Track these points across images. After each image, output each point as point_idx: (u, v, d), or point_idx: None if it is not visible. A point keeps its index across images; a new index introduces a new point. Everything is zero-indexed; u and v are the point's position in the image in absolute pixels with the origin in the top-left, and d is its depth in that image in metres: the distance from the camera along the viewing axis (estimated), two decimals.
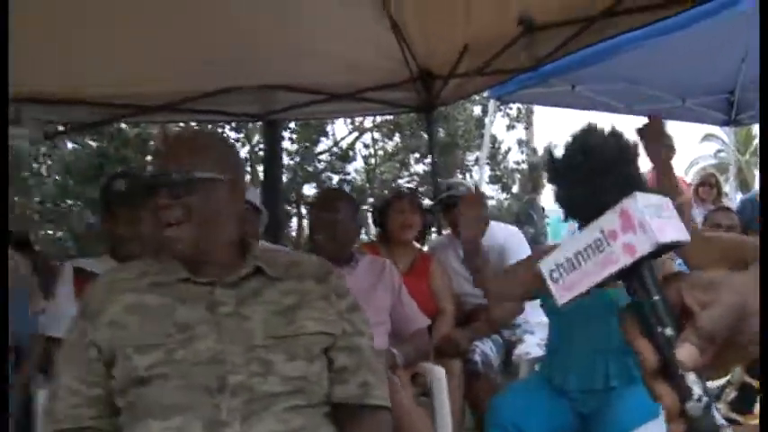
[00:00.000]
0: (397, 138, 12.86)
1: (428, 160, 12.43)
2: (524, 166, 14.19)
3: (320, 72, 4.46)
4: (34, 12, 3.34)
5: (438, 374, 2.95)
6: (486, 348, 3.59)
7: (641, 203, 0.74)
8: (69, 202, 10.94)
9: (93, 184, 10.49)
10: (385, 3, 3.94)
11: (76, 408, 1.57)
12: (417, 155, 12.62)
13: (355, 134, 12.94)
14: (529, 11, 3.57)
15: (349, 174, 12.72)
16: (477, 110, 12.31)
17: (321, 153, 12.42)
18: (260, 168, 11.06)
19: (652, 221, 0.73)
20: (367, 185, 12.49)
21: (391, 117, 10.64)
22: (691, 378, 0.70)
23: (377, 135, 13.14)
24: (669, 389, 0.70)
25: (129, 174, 3.05)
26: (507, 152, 13.64)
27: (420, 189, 13.29)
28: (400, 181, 13.41)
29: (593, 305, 2.54)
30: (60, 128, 5.00)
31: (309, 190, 12.11)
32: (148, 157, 10.19)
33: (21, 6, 3.33)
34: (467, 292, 3.75)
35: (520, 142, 14.64)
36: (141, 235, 2.84)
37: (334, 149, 12.54)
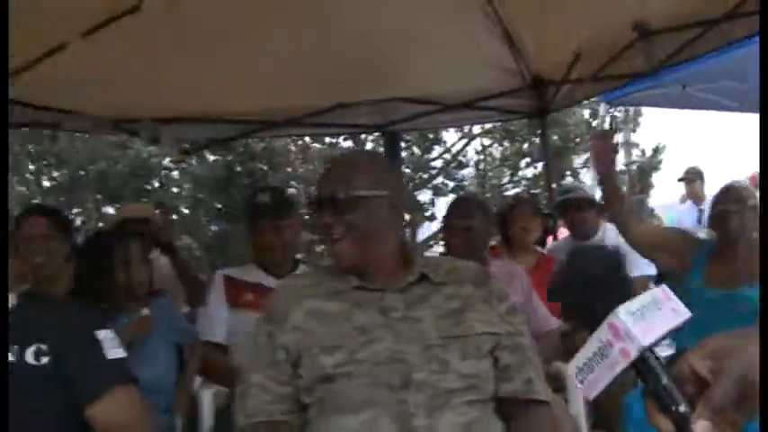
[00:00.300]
0: (506, 143, 12.83)
1: (538, 165, 12.34)
2: (633, 167, 13.89)
3: (436, 83, 4.55)
4: (170, 38, 3.62)
5: (570, 372, 2.98)
6: None
7: (623, 315, 0.90)
8: (199, 213, 11.40)
9: (221, 197, 10.96)
10: (497, 14, 3.97)
11: (269, 404, 1.69)
12: (528, 159, 12.53)
13: (464, 141, 12.96)
14: (645, 16, 3.55)
15: (463, 180, 12.74)
16: (586, 113, 12.15)
17: (433, 160, 12.48)
18: None
19: (635, 328, 0.89)
20: (479, 191, 12.50)
21: (500, 123, 10.60)
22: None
23: (485, 141, 13.13)
24: None
25: (272, 187, 3.24)
26: None
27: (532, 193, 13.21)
28: (509, 186, 13.33)
29: (731, 303, 2.53)
30: (192, 145, 5.29)
31: (425, 197, 12.23)
32: (269, 169, 10.59)
33: (160, 33, 3.63)
34: None
35: (627, 144, 14.32)
36: (285, 244, 2.98)
37: (445, 156, 12.58)
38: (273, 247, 2.98)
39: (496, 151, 13.20)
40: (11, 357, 1.65)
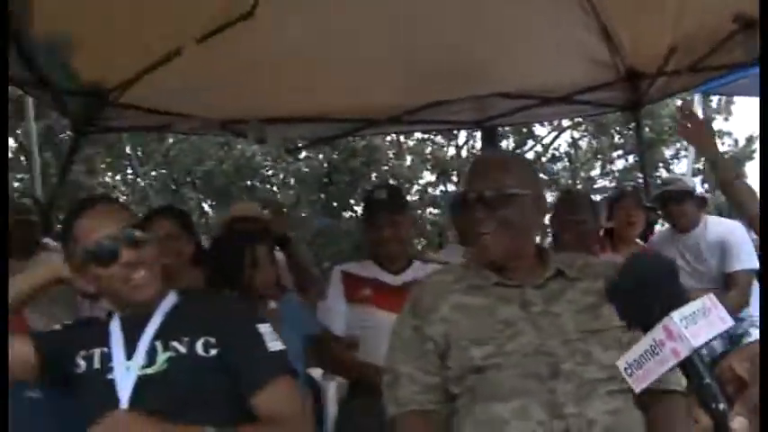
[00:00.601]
0: (598, 136, 12.65)
1: (628, 157, 12.12)
2: (726, 156, 13.49)
3: (533, 78, 4.57)
4: (276, 42, 3.81)
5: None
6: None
7: (677, 319, 1.04)
8: (300, 209, 11.71)
9: (322, 193, 11.21)
10: (594, 9, 3.97)
11: (418, 394, 1.76)
12: (620, 152, 12.32)
13: (554, 134, 12.85)
14: (744, 7, 3.49)
15: (556, 173, 12.63)
16: (679, 104, 11.85)
17: (526, 152, 12.41)
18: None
19: (688, 330, 1.02)
20: (570, 183, 12.37)
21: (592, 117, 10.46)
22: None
23: (575, 134, 12.98)
24: None
25: (388, 184, 3.35)
26: None
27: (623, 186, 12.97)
28: (600, 179, 13.13)
29: None
30: (297, 144, 5.47)
31: None
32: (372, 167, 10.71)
33: (267, 37, 3.77)
34: (691, 287, 3.72)
35: (720, 133, 13.89)
36: (400, 239, 3.06)
37: (537, 149, 12.51)
38: (390, 242, 3.05)
39: (585, 144, 13.03)
40: (182, 349, 1.76)
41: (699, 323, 1.03)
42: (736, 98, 12.28)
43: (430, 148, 12.56)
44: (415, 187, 12.49)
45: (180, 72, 3.91)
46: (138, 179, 12.81)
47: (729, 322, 1.04)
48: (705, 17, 3.74)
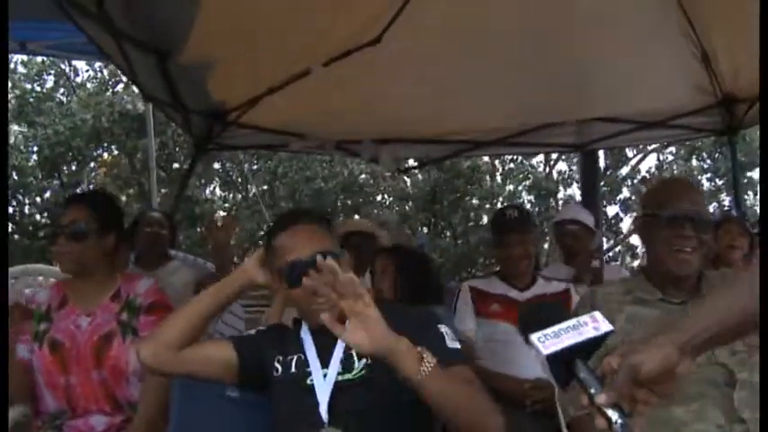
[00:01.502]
0: (690, 158, 12.45)
1: (717, 180, 11.79)
2: None
3: (633, 103, 4.59)
4: (393, 66, 3.93)
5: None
6: None
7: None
8: (405, 226, 11.85)
9: (427, 211, 11.33)
10: (696, 34, 3.97)
11: None
12: (708, 175, 12.04)
13: (639, 156, 12.63)
14: None
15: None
16: None
17: (621, 176, 12.26)
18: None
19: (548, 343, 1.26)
20: None
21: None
22: (610, 411, 1.14)
23: (662, 156, 12.75)
24: (602, 419, 1.14)
25: (517, 205, 3.43)
26: None
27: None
28: None
29: None
30: (413, 162, 5.59)
31: (612, 211, 12.05)
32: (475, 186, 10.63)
33: (386, 62, 3.89)
34: None
35: None
36: (530, 256, 3.12)
37: (623, 172, 12.33)
38: (520, 260, 3.09)
39: (676, 167, 12.77)
40: None
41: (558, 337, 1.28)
42: None
43: (527, 171, 12.56)
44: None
45: (300, 94, 4.05)
46: (244, 194, 13.23)
47: (583, 337, 1.27)
48: None
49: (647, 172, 12.37)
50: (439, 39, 3.79)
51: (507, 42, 3.87)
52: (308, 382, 1.83)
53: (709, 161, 11.49)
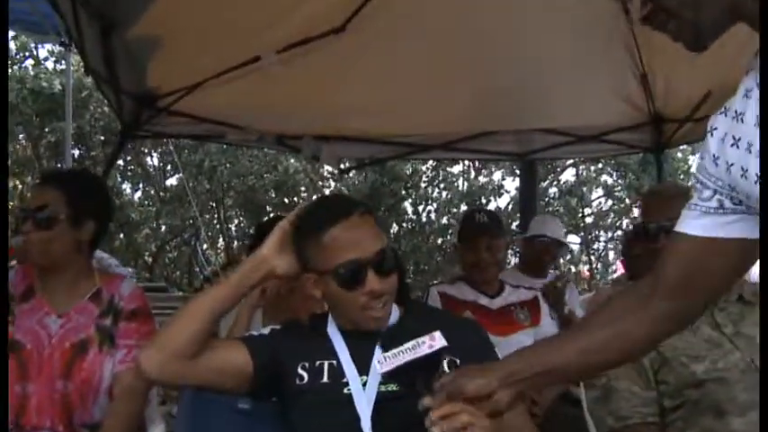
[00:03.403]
0: (613, 174, 13.09)
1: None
2: None
3: (574, 116, 4.77)
4: (338, 61, 3.92)
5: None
6: None
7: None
8: None
9: None
10: (638, 51, 4.15)
11: (640, 407, 1.83)
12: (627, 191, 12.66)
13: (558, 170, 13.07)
14: None
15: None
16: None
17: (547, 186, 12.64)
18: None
19: (385, 363, 1.50)
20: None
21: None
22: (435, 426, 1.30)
23: (585, 170, 13.24)
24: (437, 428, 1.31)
25: (487, 209, 3.39)
26: None
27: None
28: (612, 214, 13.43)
29: None
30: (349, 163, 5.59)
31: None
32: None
33: (330, 57, 3.84)
34: None
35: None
36: (498, 262, 3.13)
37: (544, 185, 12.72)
38: (489, 266, 3.09)
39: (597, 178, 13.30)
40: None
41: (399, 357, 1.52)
42: None
43: (462, 179, 12.82)
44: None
45: (244, 83, 3.98)
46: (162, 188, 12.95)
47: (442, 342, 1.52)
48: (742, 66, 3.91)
49: (564, 184, 12.85)
50: (395, 37, 3.83)
51: (455, 48, 3.96)
52: (346, 391, 1.64)
53: (632, 177, 12.05)
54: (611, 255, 14.04)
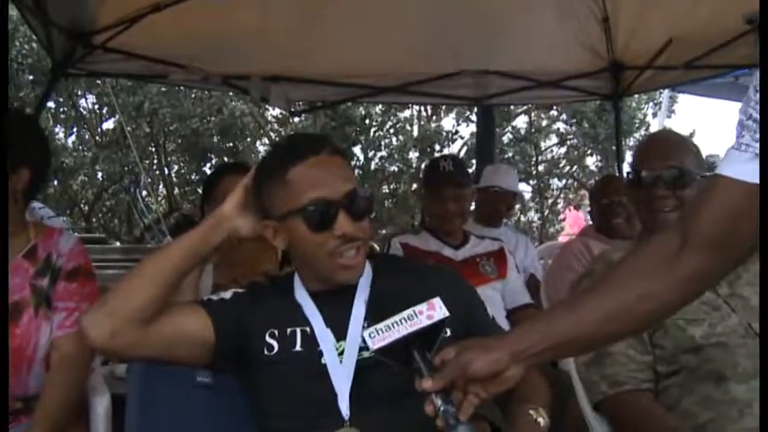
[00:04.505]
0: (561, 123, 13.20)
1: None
2: None
3: (531, 60, 4.72)
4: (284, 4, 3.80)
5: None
6: None
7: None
8: None
9: None
10: None
11: (635, 372, 1.75)
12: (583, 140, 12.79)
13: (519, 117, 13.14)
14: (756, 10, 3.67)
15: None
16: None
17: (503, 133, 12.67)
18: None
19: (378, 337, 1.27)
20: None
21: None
22: (434, 397, 1.21)
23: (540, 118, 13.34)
24: (431, 406, 1.20)
25: (453, 156, 3.25)
26: None
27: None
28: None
29: None
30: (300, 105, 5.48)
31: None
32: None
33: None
34: None
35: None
36: (464, 213, 3.04)
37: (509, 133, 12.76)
38: (455, 216, 3.00)
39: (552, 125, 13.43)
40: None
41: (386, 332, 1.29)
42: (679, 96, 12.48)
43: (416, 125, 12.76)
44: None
45: (187, 17, 3.78)
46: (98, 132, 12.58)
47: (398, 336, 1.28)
48: (709, 15, 3.89)
49: (518, 131, 12.91)
50: None
51: None
52: (323, 362, 1.51)
53: (588, 126, 12.15)
54: (561, 203, 14.26)
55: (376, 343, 1.26)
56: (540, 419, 1.43)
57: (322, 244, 1.50)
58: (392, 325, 1.27)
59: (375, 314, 1.35)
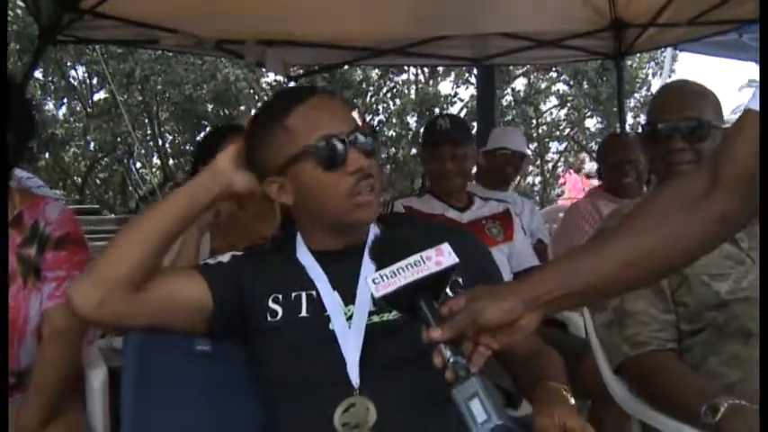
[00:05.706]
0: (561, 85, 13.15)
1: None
2: None
3: (532, 19, 4.67)
4: None
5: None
6: None
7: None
8: None
9: None
10: None
11: (658, 332, 1.69)
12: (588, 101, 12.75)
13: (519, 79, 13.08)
14: None
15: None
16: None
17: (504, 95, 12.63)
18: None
19: (382, 283, 1.21)
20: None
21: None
22: (443, 347, 1.17)
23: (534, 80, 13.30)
24: (439, 357, 1.17)
25: (451, 114, 3.24)
26: None
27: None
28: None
29: None
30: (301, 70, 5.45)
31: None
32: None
33: None
34: None
35: None
36: (465, 173, 3.00)
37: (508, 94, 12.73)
38: (455, 176, 2.96)
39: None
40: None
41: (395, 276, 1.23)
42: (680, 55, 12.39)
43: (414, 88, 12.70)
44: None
45: None
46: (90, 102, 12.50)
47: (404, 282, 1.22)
48: None
49: (518, 92, 12.86)
50: None
51: None
52: (331, 327, 1.44)
53: (587, 85, 12.12)
54: (561, 167, 14.26)
55: (380, 290, 1.20)
56: (572, 399, 1.38)
57: (336, 183, 1.42)
58: (398, 271, 1.20)
59: (380, 260, 1.27)
